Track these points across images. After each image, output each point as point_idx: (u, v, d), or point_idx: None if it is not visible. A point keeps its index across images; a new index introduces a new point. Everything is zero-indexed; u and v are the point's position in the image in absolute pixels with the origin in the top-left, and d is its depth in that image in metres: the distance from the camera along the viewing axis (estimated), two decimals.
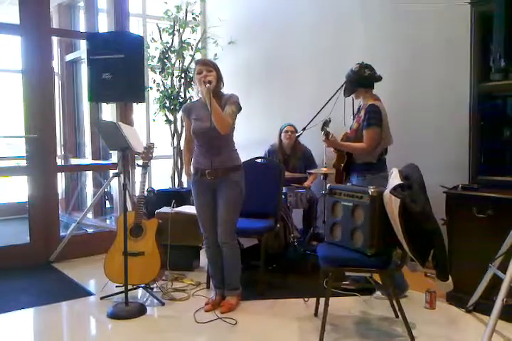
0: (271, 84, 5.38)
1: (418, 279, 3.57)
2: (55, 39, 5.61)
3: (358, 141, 3.31)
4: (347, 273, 3.05)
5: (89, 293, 3.58)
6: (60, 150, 5.88)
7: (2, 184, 6.52)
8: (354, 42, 4.49)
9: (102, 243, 3.89)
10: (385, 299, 3.17)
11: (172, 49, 5.42)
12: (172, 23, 5.42)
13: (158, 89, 5.43)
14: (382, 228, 2.65)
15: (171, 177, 5.51)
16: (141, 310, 3.16)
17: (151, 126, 5.72)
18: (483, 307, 2.96)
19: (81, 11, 6.11)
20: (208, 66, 3.05)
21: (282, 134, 4.69)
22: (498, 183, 3.09)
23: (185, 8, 5.48)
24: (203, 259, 3.71)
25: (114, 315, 3.08)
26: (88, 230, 5.03)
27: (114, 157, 4.81)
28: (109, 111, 5.04)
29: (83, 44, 5.24)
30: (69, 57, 6.07)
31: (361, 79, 3.33)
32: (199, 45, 5.66)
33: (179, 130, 5.46)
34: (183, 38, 5.47)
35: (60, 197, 5.23)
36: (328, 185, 3.06)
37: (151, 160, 3.62)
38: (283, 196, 4.11)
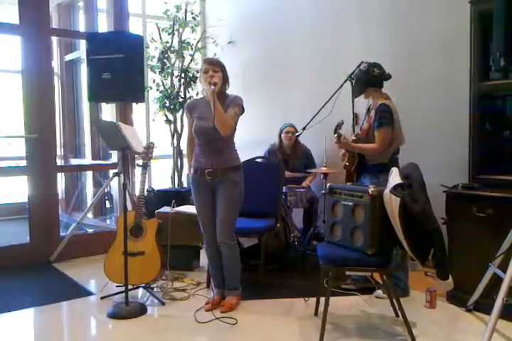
0: (270, 83, 5.38)
1: (418, 278, 3.57)
2: (54, 39, 5.61)
3: (369, 142, 3.26)
4: (347, 273, 3.05)
5: (89, 293, 3.58)
6: (59, 151, 5.88)
7: (2, 184, 6.51)
8: (353, 42, 4.49)
9: (102, 243, 3.89)
10: (386, 298, 3.17)
11: (172, 49, 5.42)
12: (172, 23, 5.42)
13: (157, 89, 5.43)
14: (383, 227, 2.65)
15: (171, 177, 5.51)
16: (141, 310, 3.16)
17: (151, 126, 5.72)
18: (483, 306, 2.96)
19: (81, 11, 6.11)
20: (215, 66, 3.05)
21: (282, 135, 4.69)
22: (498, 182, 3.09)
23: (184, 8, 5.47)
24: (203, 259, 3.71)
25: (115, 315, 3.08)
26: (88, 230, 5.03)
27: (114, 157, 4.81)
28: (108, 111, 5.04)
29: (83, 44, 5.23)
30: (69, 57, 6.07)
31: (371, 79, 3.28)
32: (199, 45, 5.66)
33: (179, 130, 5.46)
34: (182, 38, 5.47)
35: (60, 197, 5.23)
36: (328, 185, 3.06)
37: (151, 160, 3.62)
38: (283, 196, 4.11)
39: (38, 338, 2.96)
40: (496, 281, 2.64)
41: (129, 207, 3.82)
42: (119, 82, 3.97)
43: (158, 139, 5.31)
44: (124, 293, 3.15)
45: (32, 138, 4.26)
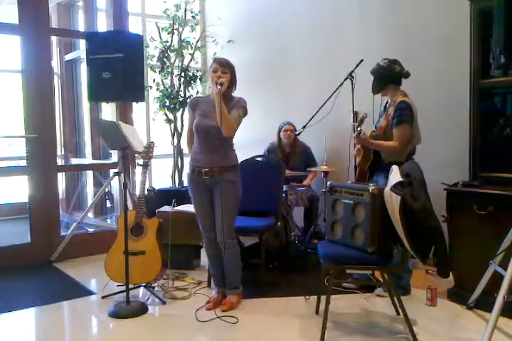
0: (270, 82, 5.38)
1: (419, 276, 3.57)
2: (54, 39, 5.60)
3: (386, 140, 3.19)
4: (348, 271, 3.05)
5: (90, 293, 3.58)
6: (60, 150, 5.88)
7: (3, 184, 6.51)
8: (352, 41, 4.49)
9: (102, 242, 3.89)
10: (386, 296, 3.17)
11: (171, 48, 5.42)
12: (171, 22, 5.42)
13: (157, 89, 5.43)
14: (383, 225, 2.65)
15: (171, 177, 5.51)
16: (142, 309, 3.16)
17: (151, 125, 5.72)
18: (484, 304, 2.96)
19: (80, 11, 6.10)
20: (225, 67, 3.04)
21: (281, 133, 4.69)
22: (499, 180, 3.09)
23: (184, 7, 5.47)
24: (204, 258, 3.71)
25: (116, 314, 3.09)
26: (89, 230, 5.03)
27: (115, 156, 4.81)
28: (108, 111, 5.04)
29: (82, 43, 5.23)
30: (68, 56, 6.07)
31: (392, 76, 3.21)
32: (198, 44, 5.66)
33: (179, 129, 5.46)
34: (182, 37, 5.47)
35: (60, 197, 5.23)
36: (328, 183, 3.06)
37: (152, 160, 3.62)
38: (283, 194, 4.11)
39: (40, 338, 2.96)
40: (497, 279, 2.64)
41: (130, 206, 3.83)
42: (119, 81, 3.97)
43: (158, 138, 5.31)
44: (125, 292, 3.15)
45: (32, 137, 4.26)
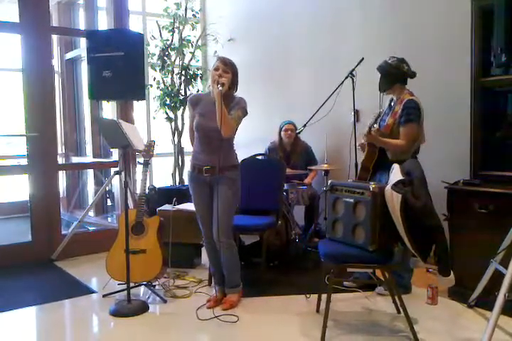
0: (271, 80, 5.38)
1: (420, 275, 3.57)
2: (54, 37, 5.61)
3: (392, 138, 3.17)
4: (349, 270, 3.04)
5: (91, 291, 3.58)
6: (60, 149, 5.88)
7: (3, 182, 6.52)
8: (352, 39, 4.48)
9: (103, 241, 3.89)
10: (387, 295, 3.17)
11: (172, 46, 5.41)
12: (172, 21, 5.41)
13: (158, 87, 5.42)
14: (384, 224, 2.65)
15: (172, 175, 5.51)
16: (143, 308, 3.16)
17: (152, 124, 5.72)
18: (484, 302, 2.96)
19: (81, 9, 6.10)
20: (227, 66, 3.02)
21: (282, 132, 4.70)
22: (500, 178, 3.09)
23: (184, 5, 5.47)
24: (205, 256, 3.71)
25: (117, 313, 3.09)
26: (90, 228, 5.04)
27: (115, 155, 4.81)
28: (109, 109, 5.04)
29: (83, 42, 5.23)
30: (69, 55, 6.07)
31: (400, 74, 3.20)
32: (199, 43, 5.65)
33: (180, 127, 5.46)
34: (183, 35, 5.46)
35: (61, 196, 5.24)
36: (329, 182, 3.05)
37: (152, 158, 3.62)
38: (284, 193, 4.11)
39: (41, 336, 2.96)
40: (498, 277, 2.64)
41: (131, 205, 3.83)
42: (120, 79, 3.97)
43: (158, 137, 5.31)
44: (125, 291, 3.16)
45: (33, 136, 4.26)
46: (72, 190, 6.14)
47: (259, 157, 4.09)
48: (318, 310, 3.08)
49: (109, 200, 5.87)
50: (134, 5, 5.27)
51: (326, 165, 4.24)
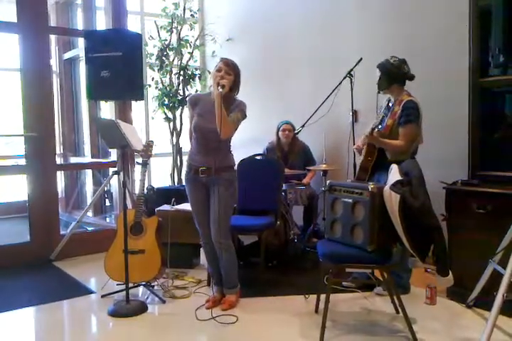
0: (269, 80, 5.38)
1: (418, 275, 3.57)
2: (52, 37, 5.59)
3: (391, 139, 3.16)
4: (348, 270, 3.04)
5: (90, 291, 3.58)
6: (59, 149, 5.87)
7: (2, 183, 6.51)
8: (351, 39, 4.49)
9: (102, 241, 3.88)
10: (386, 295, 3.17)
11: (170, 46, 5.41)
12: (170, 21, 5.41)
13: (156, 87, 5.42)
14: (382, 224, 2.65)
15: (171, 175, 5.51)
16: (142, 308, 3.16)
17: (150, 124, 5.72)
18: (483, 302, 2.96)
19: (79, 9, 6.10)
20: (229, 68, 3.02)
21: (280, 132, 4.70)
22: (498, 178, 3.10)
23: (183, 5, 5.47)
24: (204, 257, 3.71)
25: (115, 313, 3.09)
26: (88, 228, 5.03)
27: (114, 155, 4.80)
28: (107, 109, 5.03)
29: (81, 42, 5.23)
30: (67, 55, 6.06)
31: (401, 75, 3.20)
32: (197, 43, 5.65)
33: (178, 128, 5.46)
34: (181, 36, 5.46)
35: (59, 196, 5.23)
36: (328, 182, 3.05)
37: (151, 158, 3.62)
38: (283, 193, 4.11)
39: (39, 337, 2.96)
40: (496, 277, 2.64)
41: (129, 205, 3.82)
42: (118, 80, 3.96)
43: (157, 137, 5.31)
44: (124, 291, 3.15)
45: (31, 136, 4.25)
46: (71, 190, 6.14)
47: (258, 157, 4.09)
48: (317, 311, 3.08)
49: (107, 200, 5.86)
50: (132, 5, 5.27)
51: (324, 166, 4.24)
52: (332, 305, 2.78)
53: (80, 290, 3.61)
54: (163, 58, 5.39)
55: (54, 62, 5.93)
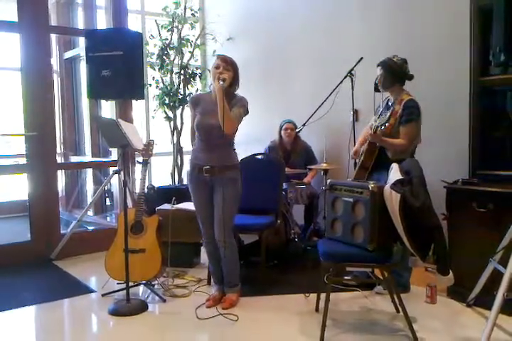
0: (270, 79, 5.37)
1: (419, 274, 3.57)
2: (53, 36, 5.59)
3: (392, 138, 3.16)
4: (348, 269, 3.04)
5: (90, 290, 3.58)
6: (59, 148, 5.87)
7: (2, 182, 6.51)
8: (353, 38, 4.48)
9: (102, 240, 3.89)
10: (386, 294, 3.18)
11: (171, 45, 5.40)
12: (171, 20, 5.40)
13: (157, 86, 5.42)
14: (383, 223, 2.65)
15: (171, 174, 5.51)
16: (142, 307, 3.17)
17: (151, 123, 5.72)
18: (483, 301, 2.96)
19: (79, 8, 6.10)
20: (227, 64, 3.02)
21: (282, 131, 4.70)
22: (499, 178, 3.09)
23: (183, 5, 5.46)
24: (204, 256, 3.71)
25: (116, 312, 3.09)
26: (89, 227, 5.03)
27: (114, 154, 4.80)
28: (108, 108, 5.03)
29: (82, 41, 5.22)
30: (68, 54, 6.06)
31: (402, 74, 3.20)
32: (198, 42, 5.65)
33: (179, 127, 5.46)
34: (181, 35, 5.45)
35: (60, 195, 5.23)
36: (328, 181, 3.05)
37: (151, 157, 3.62)
38: (283, 192, 4.11)
39: (40, 336, 2.96)
40: (497, 276, 2.64)
41: (130, 204, 3.82)
42: (119, 79, 3.96)
43: (157, 136, 5.31)
44: (125, 290, 3.15)
45: (32, 135, 4.26)
46: (71, 189, 6.14)
47: (258, 156, 4.09)
48: (317, 309, 3.08)
49: (108, 199, 5.86)
50: (132, 4, 5.26)
51: (325, 165, 4.23)
52: (332, 304, 2.78)
53: (80, 289, 3.62)
54: (164, 57, 5.38)
55: (54, 62, 5.93)
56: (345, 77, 3.75)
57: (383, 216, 2.63)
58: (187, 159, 5.49)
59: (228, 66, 3.02)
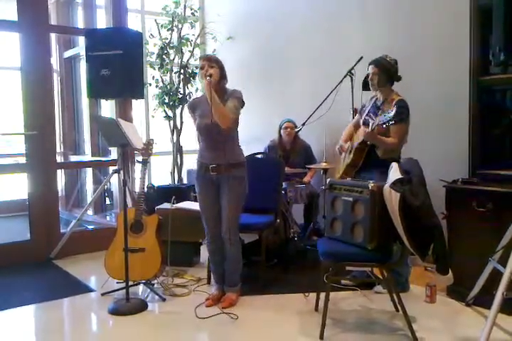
0: (270, 78, 5.37)
1: (418, 273, 3.58)
2: (53, 36, 5.59)
3: (385, 136, 3.18)
4: (348, 268, 3.05)
5: (90, 290, 3.58)
6: (59, 147, 5.87)
7: (2, 181, 6.51)
8: (352, 38, 4.48)
9: (102, 239, 3.89)
10: (386, 293, 3.17)
11: (171, 45, 5.40)
12: (171, 19, 5.40)
13: (157, 86, 5.42)
14: (383, 222, 2.65)
15: (171, 174, 5.51)
16: (142, 306, 3.17)
17: (151, 123, 5.72)
18: (483, 300, 2.96)
19: (79, 7, 6.09)
20: (211, 62, 3.04)
21: (282, 131, 4.70)
22: (498, 177, 3.09)
23: (183, 4, 5.46)
24: (204, 255, 3.72)
25: (115, 311, 3.09)
26: (88, 227, 5.03)
27: (114, 153, 4.80)
28: (108, 108, 5.03)
29: (82, 40, 5.22)
30: (67, 53, 6.06)
31: (394, 75, 3.23)
32: (198, 41, 5.65)
33: (178, 126, 5.46)
34: (181, 34, 5.45)
35: (60, 194, 5.23)
36: (328, 180, 3.06)
37: (151, 157, 3.62)
38: (283, 191, 4.11)
39: (40, 335, 2.96)
40: (496, 276, 2.64)
41: (129, 203, 3.82)
42: (118, 78, 3.96)
43: (157, 135, 5.31)
44: (124, 290, 3.16)
45: (31, 135, 4.26)
46: (71, 188, 6.13)
47: (258, 156, 4.09)
48: (316, 309, 3.08)
49: (107, 199, 5.86)
50: (132, 3, 5.26)
51: (324, 164, 4.23)
52: (332, 303, 2.78)
53: (80, 288, 3.62)
54: (164, 57, 5.38)
55: (54, 61, 5.92)
56: (345, 76, 3.75)
57: (383, 215, 2.63)
58: (187, 158, 5.50)
59: (212, 63, 3.03)
